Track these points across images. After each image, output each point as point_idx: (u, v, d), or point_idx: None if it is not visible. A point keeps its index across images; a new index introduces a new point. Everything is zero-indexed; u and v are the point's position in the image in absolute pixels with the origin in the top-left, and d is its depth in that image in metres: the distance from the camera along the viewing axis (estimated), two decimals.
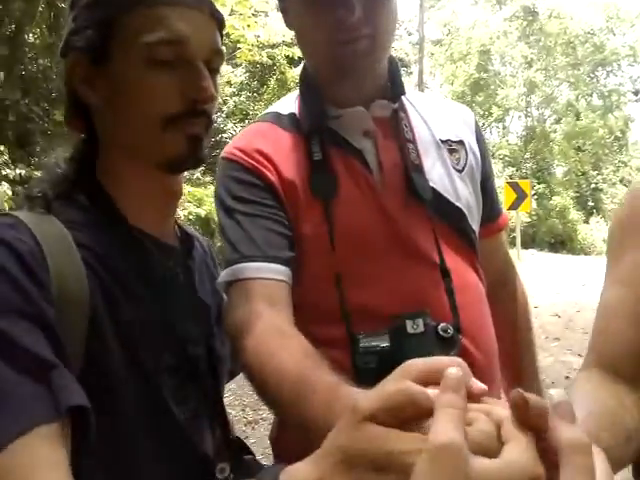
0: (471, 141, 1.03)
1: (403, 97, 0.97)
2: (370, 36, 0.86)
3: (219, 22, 0.77)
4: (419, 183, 0.92)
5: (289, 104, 1.00)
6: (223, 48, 0.78)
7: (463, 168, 1.00)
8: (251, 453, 0.83)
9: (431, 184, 0.94)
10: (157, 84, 0.70)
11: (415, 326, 0.77)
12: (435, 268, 0.88)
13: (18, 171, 5.06)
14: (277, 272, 0.83)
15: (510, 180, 14.68)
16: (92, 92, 0.72)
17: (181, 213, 6.47)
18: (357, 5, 0.82)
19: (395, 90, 0.96)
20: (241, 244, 0.85)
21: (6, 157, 5.15)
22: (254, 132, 0.97)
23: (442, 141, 1.00)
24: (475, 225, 1.00)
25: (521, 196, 11.90)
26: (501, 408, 0.39)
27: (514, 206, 11.86)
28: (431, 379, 0.40)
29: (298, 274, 0.92)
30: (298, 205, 0.90)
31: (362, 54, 0.87)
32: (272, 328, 0.75)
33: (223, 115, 10.95)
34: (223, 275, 0.85)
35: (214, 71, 0.75)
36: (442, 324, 0.78)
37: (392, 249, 0.89)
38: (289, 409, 0.70)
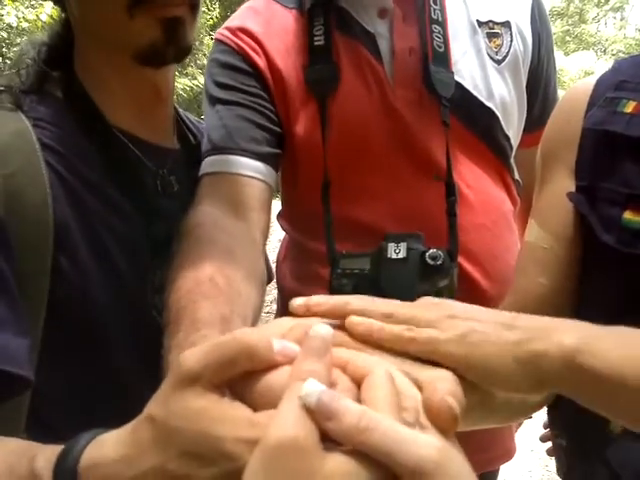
0: (521, 22, 0.84)
1: None
2: None
3: None
4: (439, 77, 0.76)
5: None
6: None
7: (504, 58, 0.82)
8: None
9: (456, 78, 0.78)
10: None
11: (397, 250, 0.66)
12: (441, 182, 0.75)
13: None
14: (250, 168, 0.73)
15: None
16: None
17: None
18: None
19: None
20: (215, 134, 0.75)
21: None
22: (247, 8, 0.84)
23: (481, 23, 0.82)
24: (512, 130, 0.84)
25: None
26: (363, 357, 0.33)
27: None
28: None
29: (292, 179, 0.82)
30: (290, 98, 0.78)
31: None
32: (201, 243, 0.63)
33: None
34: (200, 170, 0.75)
35: None
36: (432, 250, 0.67)
37: (394, 157, 0.77)
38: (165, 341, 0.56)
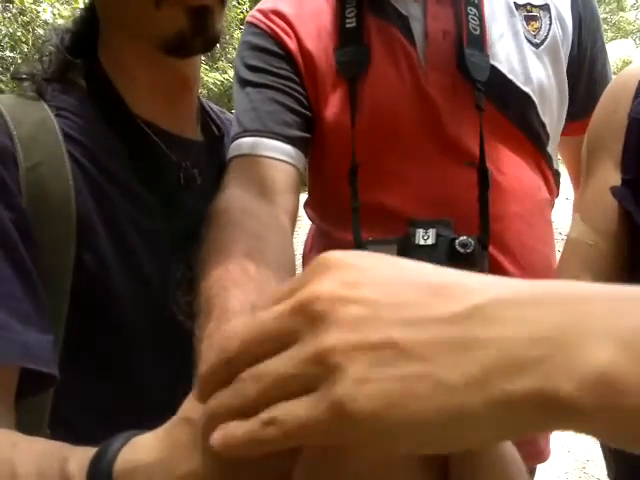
0: (561, 5, 0.80)
1: None
2: None
3: None
4: (473, 60, 0.73)
5: None
6: None
7: (542, 41, 0.78)
8: None
9: (492, 62, 0.75)
10: None
11: (426, 237, 0.64)
12: (473, 168, 0.73)
13: None
14: (280, 151, 0.71)
15: None
16: None
17: None
18: None
19: None
20: (245, 117, 0.73)
21: None
22: None
23: (518, 5, 0.79)
24: (548, 117, 0.80)
25: None
26: None
27: None
28: None
29: (319, 165, 0.81)
30: (321, 81, 0.76)
31: None
32: (229, 229, 0.61)
33: None
34: (229, 152, 0.74)
35: None
36: (462, 237, 0.64)
37: (425, 141, 0.74)
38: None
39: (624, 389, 0.18)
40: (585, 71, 0.83)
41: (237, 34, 7.35)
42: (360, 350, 0.21)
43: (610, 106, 0.60)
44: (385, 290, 0.23)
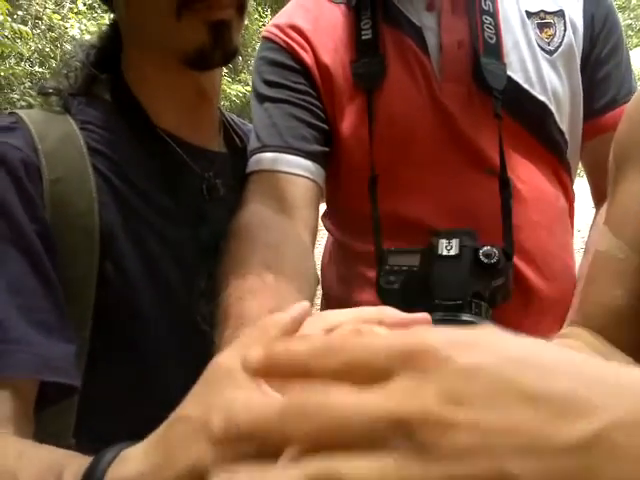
0: (574, 10, 0.79)
1: None
2: None
3: None
4: (490, 69, 0.73)
5: None
6: None
7: (557, 48, 0.77)
8: None
9: (508, 72, 0.74)
10: None
11: (449, 247, 0.63)
12: (494, 178, 0.72)
13: None
14: (299, 166, 0.72)
15: None
16: None
17: None
18: None
19: None
20: (263, 132, 0.74)
21: None
22: (296, 5, 0.82)
23: (531, 13, 0.78)
24: (565, 124, 0.79)
25: None
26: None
27: None
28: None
29: (337, 177, 0.81)
30: (337, 94, 0.76)
31: None
32: (248, 242, 0.62)
33: None
34: (248, 167, 0.75)
35: None
36: (486, 248, 0.63)
37: (443, 151, 0.74)
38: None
39: None
40: (600, 67, 0.80)
41: (259, 47, 7.44)
42: None
43: (635, 117, 0.59)
44: (496, 407, 0.20)
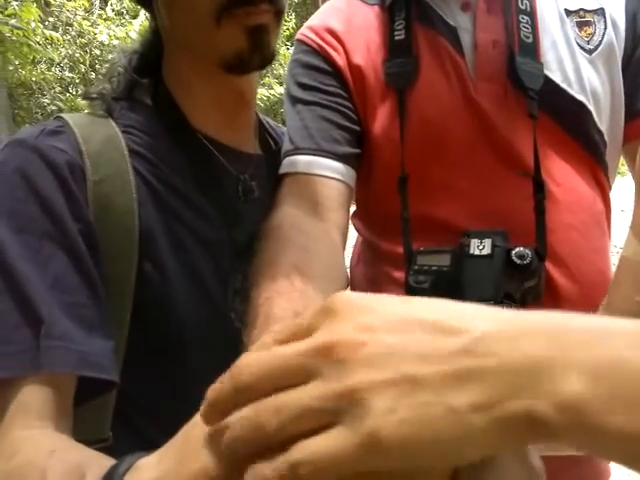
0: (615, 9, 0.77)
1: None
2: None
3: None
4: (526, 68, 0.72)
5: None
6: None
7: (596, 47, 0.76)
8: None
9: (545, 71, 0.73)
10: None
11: (481, 247, 0.63)
12: (528, 179, 0.71)
13: None
14: (330, 169, 0.72)
15: None
16: None
17: None
18: None
19: None
20: (296, 135, 0.74)
21: None
22: (329, 7, 0.83)
23: (570, 11, 0.77)
24: (605, 124, 0.77)
25: None
26: None
27: None
28: None
29: (368, 177, 0.81)
30: (369, 94, 0.76)
31: None
32: (278, 243, 0.63)
33: None
34: (280, 169, 0.76)
35: None
36: (519, 248, 0.63)
37: (476, 152, 0.73)
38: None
39: (589, 412, 0.22)
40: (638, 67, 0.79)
41: (283, 51, 7.48)
42: (383, 386, 0.24)
43: None
44: (396, 330, 0.26)
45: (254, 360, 0.28)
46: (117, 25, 7.05)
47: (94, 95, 0.64)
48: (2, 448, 0.44)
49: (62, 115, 0.60)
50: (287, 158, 0.74)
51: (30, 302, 0.48)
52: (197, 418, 0.32)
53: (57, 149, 0.54)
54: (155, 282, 0.57)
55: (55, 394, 0.47)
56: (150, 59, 0.68)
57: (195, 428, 0.32)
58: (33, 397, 0.47)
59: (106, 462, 0.37)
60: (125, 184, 0.57)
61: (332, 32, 0.78)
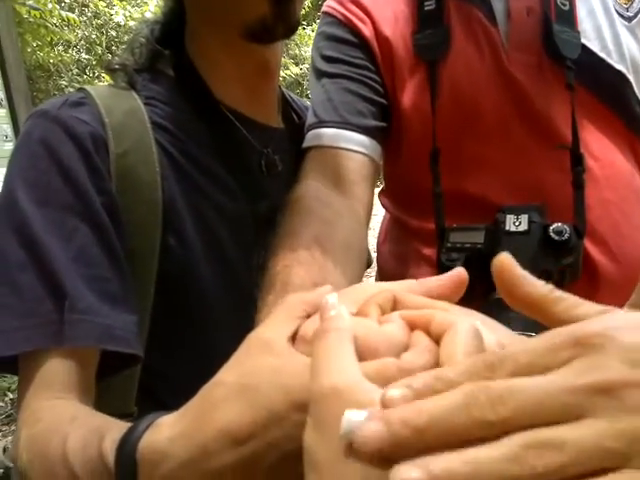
0: None
1: None
2: None
3: None
4: (563, 37, 0.69)
5: None
6: None
7: (636, 14, 0.72)
8: None
9: (582, 40, 0.70)
10: None
11: (517, 223, 0.61)
12: (565, 152, 0.68)
13: None
14: (355, 142, 0.70)
15: None
16: None
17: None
18: None
19: None
20: (320, 108, 0.72)
21: None
22: None
23: None
24: None
25: None
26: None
27: None
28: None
29: (396, 152, 0.78)
30: (398, 67, 0.74)
31: None
32: (300, 215, 0.61)
33: None
34: (304, 142, 0.74)
35: None
36: (557, 224, 0.60)
37: (510, 124, 0.70)
38: None
39: None
40: None
41: (299, 30, 7.39)
42: None
43: None
44: None
45: (519, 392, 0.22)
46: (133, 6, 7.01)
47: (116, 66, 0.63)
48: (26, 417, 0.45)
49: (85, 87, 0.59)
50: (311, 131, 0.72)
51: (54, 275, 0.48)
52: (216, 378, 0.33)
53: (80, 120, 0.53)
54: (178, 255, 0.57)
55: (78, 367, 0.48)
56: (172, 29, 0.66)
57: (215, 388, 0.32)
58: (56, 370, 0.47)
59: (122, 425, 0.37)
60: (148, 156, 0.56)
61: (358, 3, 0.76)
